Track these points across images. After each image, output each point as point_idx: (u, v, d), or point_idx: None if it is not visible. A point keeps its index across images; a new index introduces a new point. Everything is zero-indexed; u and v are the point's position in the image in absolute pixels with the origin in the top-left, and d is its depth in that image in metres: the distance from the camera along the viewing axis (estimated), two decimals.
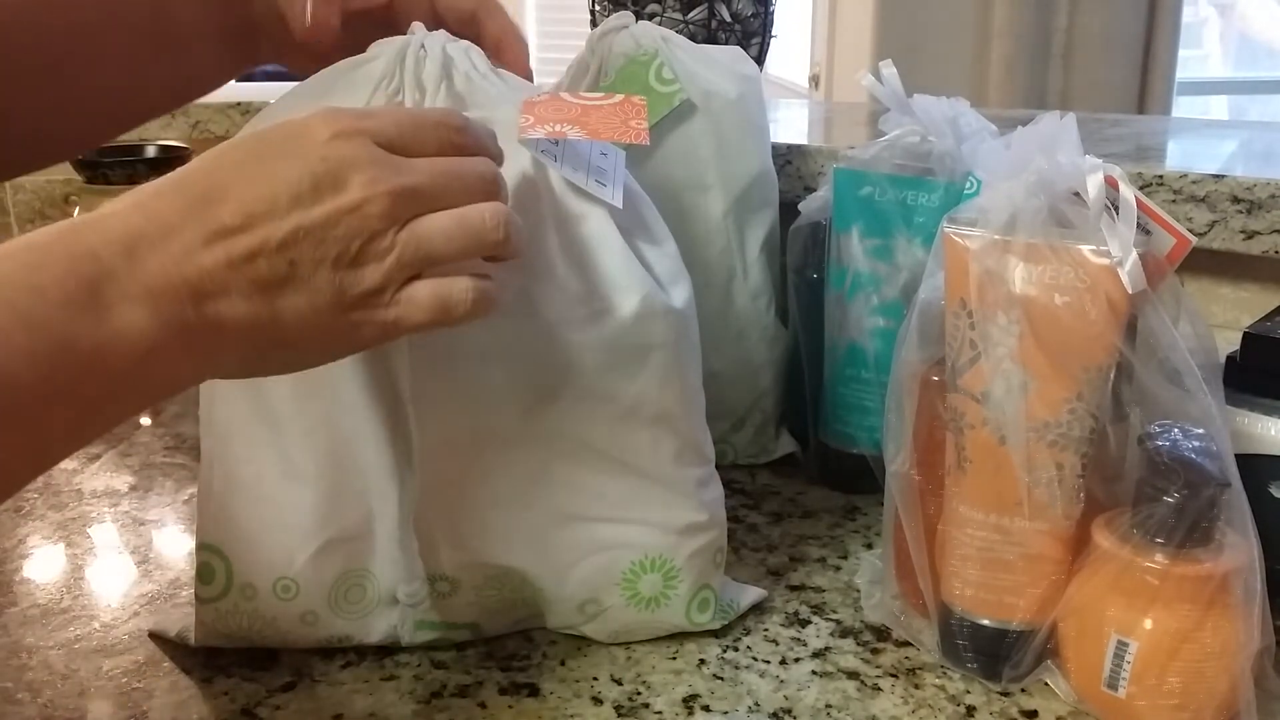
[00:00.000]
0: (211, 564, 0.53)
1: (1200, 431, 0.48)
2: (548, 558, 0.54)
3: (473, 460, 0.52)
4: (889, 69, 0.67)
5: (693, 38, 0.81)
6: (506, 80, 0.54)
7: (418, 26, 0.54)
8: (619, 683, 0.53)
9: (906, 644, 0.56)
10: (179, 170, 0.41)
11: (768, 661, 0.55)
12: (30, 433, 0.37)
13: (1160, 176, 0.72)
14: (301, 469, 0.52)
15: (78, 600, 0.60)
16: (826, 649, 0.56)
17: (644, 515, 0.54)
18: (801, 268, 0.75)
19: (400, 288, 0.42)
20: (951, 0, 2.27)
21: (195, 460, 0.77)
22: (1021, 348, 0.49)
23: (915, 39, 2.26)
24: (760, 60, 0.96)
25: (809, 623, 0.58)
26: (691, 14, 0.92)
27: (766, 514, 0.71)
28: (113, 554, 0.66)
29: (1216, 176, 0.71)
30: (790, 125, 1.13)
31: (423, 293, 0.43)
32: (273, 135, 0.42)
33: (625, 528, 0.54)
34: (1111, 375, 0.50)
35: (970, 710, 0.51)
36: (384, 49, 0.53)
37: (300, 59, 0.61)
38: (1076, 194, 0.49)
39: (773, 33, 0.98)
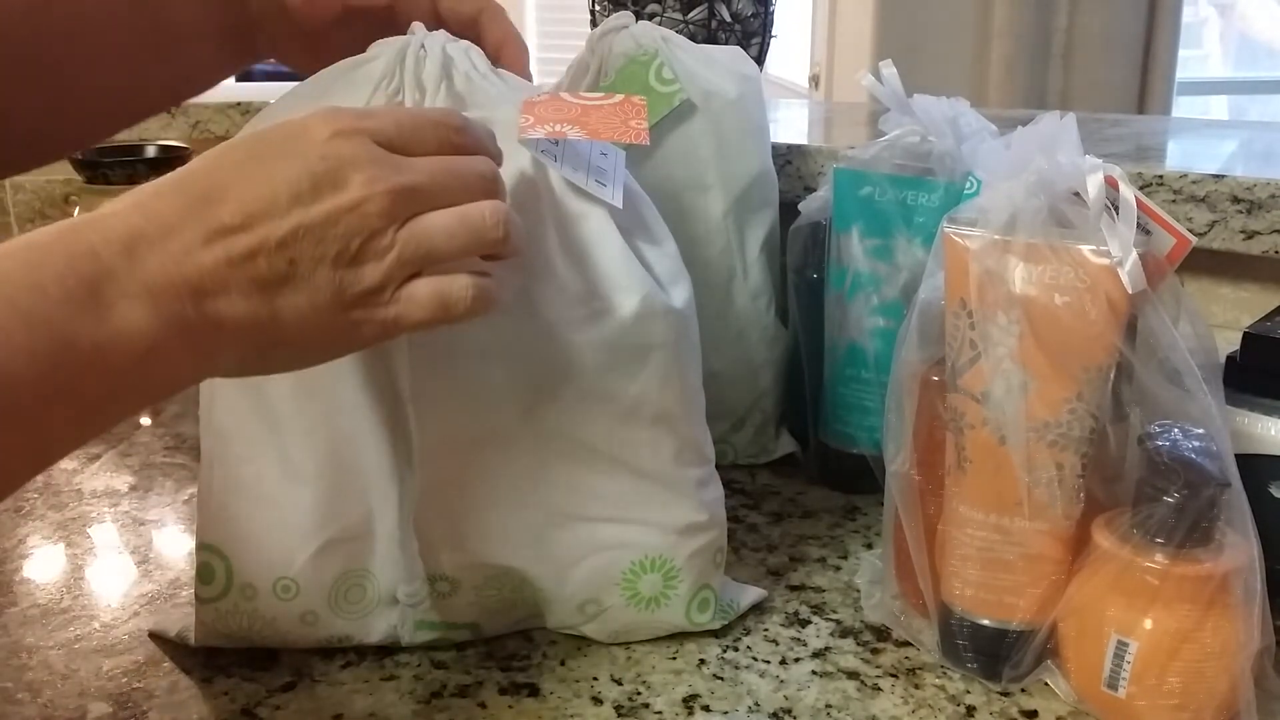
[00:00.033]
0: (211, 564, 0.53)
1: (1200, 431, 0.48)
2: (548, 558, 0.54)
3: (473, 460, 0.52)
4: (889, 69, 0.67)
5: (693, 38, 0.81)
6: (506, 80, 0.54)
7: (418, 27, 0.54)
8: (619, 683, 0.53)
9: (906, 644, 0.56)
10: (179, 170, 0.41)
11: (768, 661, 0.55)
12: (30, 431, 0.37)
13: (1160, 176, 0.72)
14: (301, 469, 0.52)
15: (78, 600, 0.60)
16: (826, 649, 0.56)
17: (644, 515, 0.54)
18: (801, 268, 0.75)
19: (400, 286, 0.42)
20: (951, 0, 2.27)
21: (195, 460, 0.77)
22: (1021, 348, 0.49)
23: (915, 39, 2.26)
24: (760, 60, 0.96)
25: (809, 623, 0.58)
26: (691, 14, 0.92)
27: (766, 514, 0.71)
28: (113, 554, 0.66)
29: (1216, 176, 0.71)
30: (790, 125, 1.13)
31: (423, 291, 0.43)
32: (272, 135, 0.43)
33: (625, 528, 0.54)
34: (1111, 375, 0.50)
35: (970, 710, 0.51)
36: (384, 49, 0.53)
37: (298, 55, 0.61)
38: (1076, 194, 0.49)
39: (773, 33, 0.98)
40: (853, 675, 0.54)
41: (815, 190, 0.77)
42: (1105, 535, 0.49)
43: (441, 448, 0.52)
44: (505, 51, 0.59)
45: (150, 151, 1.21)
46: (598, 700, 0.52)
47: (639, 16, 0.79)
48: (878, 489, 0.57)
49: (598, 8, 0.96)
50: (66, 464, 0.78)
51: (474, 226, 0.43)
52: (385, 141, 0.43)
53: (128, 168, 1.16)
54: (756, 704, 0.52)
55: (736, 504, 0.71)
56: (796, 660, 0.55)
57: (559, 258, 0.51)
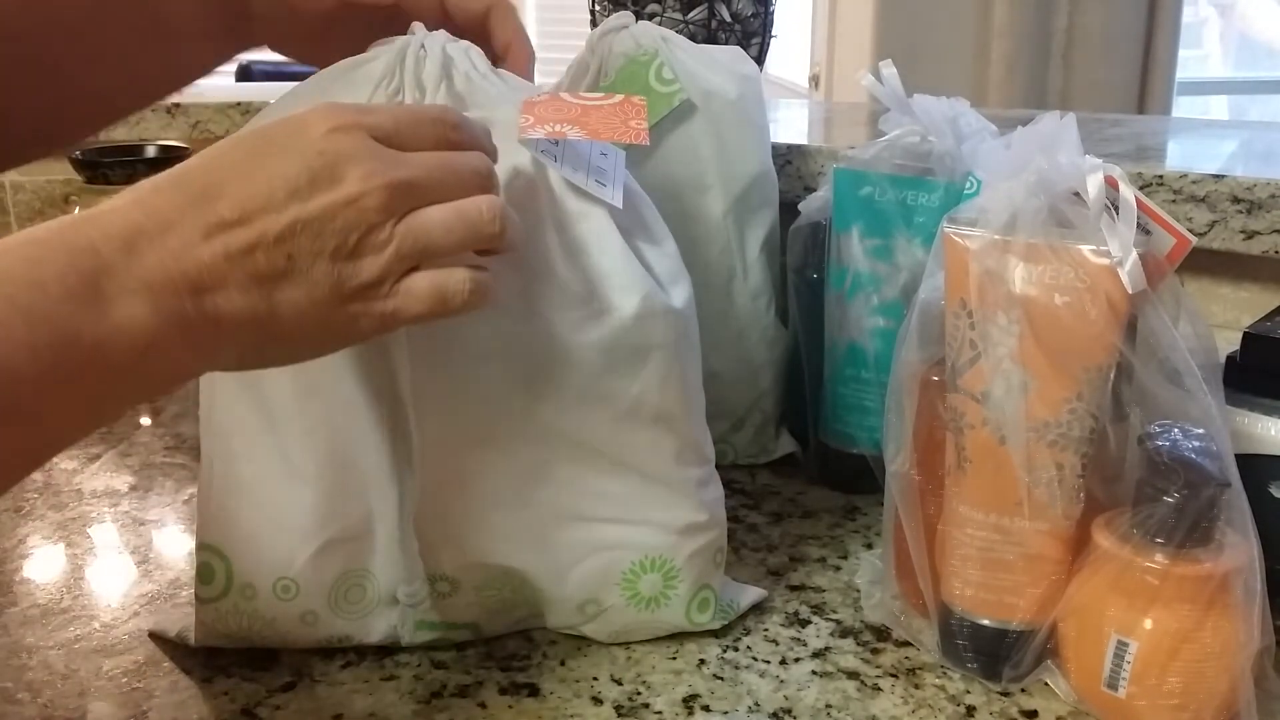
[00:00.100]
0: (211, 564, 0.53)
1: (1200, 431, 0.48)
2: (548, 558, 0.54)
3: (473, 460, 0.52)
4: (889, 69, 0.67)
5: (693, 38, 0.81)
6: (506, 80, 0.54)
7: (418, 27, 0.54)
8: (619, 683, 0.53)
9: (906, 644, 0.56)
10: (178, 166, 0.42)
11: (768, 661, 0.55)
12: (31, 426, 0.37)
13: (1160, 176, 0.72)
14: (301, 469, 0.52)
15: (78, 600, 0.60)
16: (826, 649, 0.56)
17: (644, 515, 0.54)
18: (801, 268, 0.75)
19: (398, 280, 0.43)
20: (951, 0, 2.27)
21: (195, 460, 0.77)
22: (1021, 348, 0.49)
23: (915, 39, 2.26)
24: (760, 60, 0.96)
25: (809, 623, 0.58)
26: (691, 14, 0.92)
27: (766, 514, 0.71)
28: (113, 554, 0.66)
29: (1216, 176, 0.71)
30: (790, 125, 1.13)
31: (421, 284, 0.43)
32: (271, 131, 0.43)
33: (625, 528, 0.54)
34: (1111, 375, 0.50)
35: (970, 710, 0.51)
36: (384, 49, 0.53)
37: (298, 48, 0.61)
38: (1076, 194, 0.49)
39: (773, 33, 0.98)
40: (853, 675, 0.54)
41: (815, 190, 0.77)
42: (1105, 535, 0.49)
43: (441, 448, 0.52)
44: (511, 53, 0.59)
45: (150, 151, 1.21)
46: (598, 700, 0.52)
47: (639, 16, 0.79)
48: (878, 489, 0.57)
49: (598, 8, 0.96)
50: (66, 464, 0.78)
51: (471, 221, 0.43)
52: (382, 137, 0.43)
53: (128, 168, 1.16)
54: (756, 704, 0.52)
55: (736, 504, 0.71)
56: (796, 660, 0.55)
57: (559, 258, 0.51)
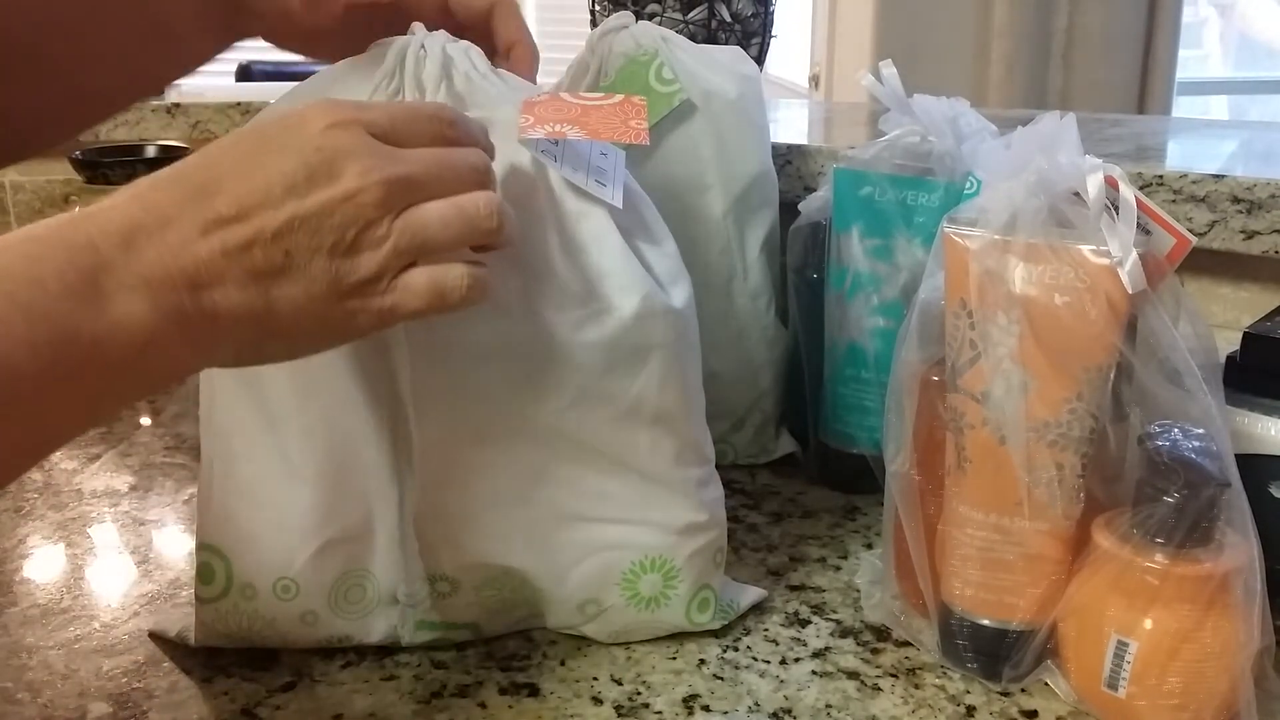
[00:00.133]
0: (211, 564, 0.53)
1: (1200, 431, 0.48)
2: (547, 558, 0.54)
3: (473, 460, 0.52)
4: (889, 69, 0.67)
5: (693, 38, 0.81)
6: (506, 80, 0.54)
7: (418, 27, 0.54)
8: (619, 683, 0.53)
9: (906, 644, 0.56)
10: (177, 164, 0.42)
11: (768, 661, 0.55)
12: (31, 423, 0.37)
13: (1160, 176, 0.72)
14: (301, 469, 0.52)
15: (78, 600, 0.60)
16: (826, 649, 0.56)
17: (644, 515, 0.54)
18: (801, 268, 0.75)
19: (396, 275, 0.43)
20: (951, 0, 2.27)
21: (195, 460, 0.77)
22: (1021, 348, 0.49)
23: (915, 39, 2.26)
24: (760, 60, 0.96)
25: (809, 623, 0.58)
26: (691, 14, 0.92)
27: (766, 514, 0.71)
28: (113, 554, 0.66)
29: (1216, 176, 0.71)
30: (790, 125, 1.13)
31: (419, 280, 0.43)
32: (269, 128, 0.43)
33: (625, 528, 0.54)
34: (1111, 375, 0.50)
35: (970, 710, 0.51)
36: (384, 49, 0.53)
37: (292, 37, 0.61)
38: (1076, 194, 0.49)
39: (773, 33, 0.98)
40: (853, 675, 0.54)
41: (815, 190, 0.77)
42: (1105, 535, 0.49)
43: (441, 447, 0.52)
44: (516, 52, 0.59)
45: (150, 151, 1.21)
46: (598, 700, 0.52)
47: (639, 16, 0.79)
48: (878, 489, 0.57)
49: (598, 8, 0.96)
50: (66, 464, 0.78)
51: (469, 216, 0.43)
52: (380, 133, 0.43)
53: (127, 168, 1.16)
54: (756, 704, 0.52)
55: (736, 504, 0.71)
56: (796, 660, 0.55)
57: (559, 257, 0.51)
